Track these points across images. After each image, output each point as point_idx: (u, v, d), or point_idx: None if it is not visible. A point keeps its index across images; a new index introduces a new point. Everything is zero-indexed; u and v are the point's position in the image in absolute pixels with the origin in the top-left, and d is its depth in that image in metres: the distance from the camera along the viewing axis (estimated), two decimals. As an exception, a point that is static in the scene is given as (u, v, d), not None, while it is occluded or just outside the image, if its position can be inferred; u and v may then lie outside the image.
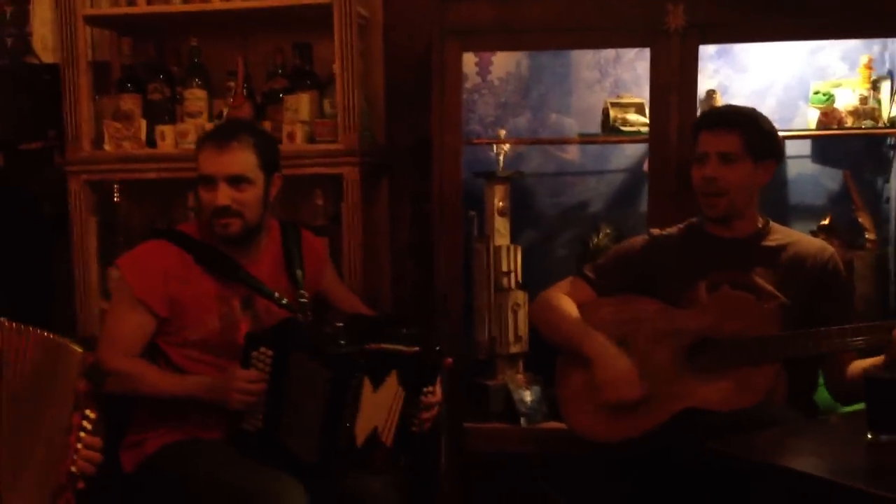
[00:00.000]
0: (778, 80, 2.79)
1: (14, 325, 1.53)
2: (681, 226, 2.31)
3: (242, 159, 2.10)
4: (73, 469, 1.58)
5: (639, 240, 2.33)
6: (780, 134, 2.69)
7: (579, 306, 2.26)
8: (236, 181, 2.09)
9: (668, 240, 2.29)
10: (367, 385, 1.96)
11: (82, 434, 1.60)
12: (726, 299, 2.14)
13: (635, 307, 2.23)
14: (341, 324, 2.05)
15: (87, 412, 1.61)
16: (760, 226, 2.23)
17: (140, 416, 2.14)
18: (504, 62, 2.91)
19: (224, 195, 2.08)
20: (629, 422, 2.12)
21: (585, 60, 2.88)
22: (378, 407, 1.99)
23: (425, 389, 2.03)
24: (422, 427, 2.05)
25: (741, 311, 2.12)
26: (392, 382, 1.99)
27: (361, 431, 1.97)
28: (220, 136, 2.13)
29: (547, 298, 2.31)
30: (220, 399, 2.01)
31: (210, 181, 2.09)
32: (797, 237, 2.26)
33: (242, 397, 1.98)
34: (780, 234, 2.24)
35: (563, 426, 2.51)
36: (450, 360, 2.14)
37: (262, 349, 1.99)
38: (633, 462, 2.17)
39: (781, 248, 2.20)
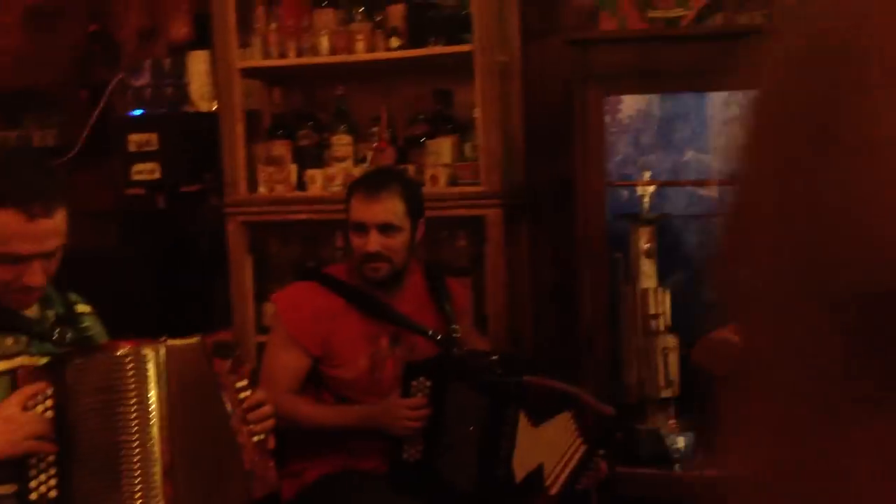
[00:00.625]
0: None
1: (172, 342, 1.64)
2: None
3: (392, 208, 2.18)
4: (255, 439, 1.67)
5: None
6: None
7: None
8: (386, 229, 2.17)
9: None
10: (524, 418, 1.99)
11: (244, 405, 1.68)
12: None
13: None
14: (497, 357, 2.10)
15: (238, 384, 1.69)
16: None
17: (300, 447, 2.23)
18: (634, 101, 2.89)
19: (374, 242, 2.16)
20: None
21: (722, 97, 2.82)
22: (541, 444, 2.02)
23: (600, 451, 2.06)
24: (589, 485, 2.07)
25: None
26: (565, 424, 2.02)
27: (521, 466, 2.01)
28: (372, 186, 2.21)
29: (713, 339, 2.22)
30: (379, 426, 2.09)
31: (362, 228, 2.18)
32: None
33: (408, 423, 2.05)
34: None
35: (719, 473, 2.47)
36: (620, 434, 2.17)
37: (422, 379, 2.07)
38: None
39: None
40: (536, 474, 2.02)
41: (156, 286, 3.07)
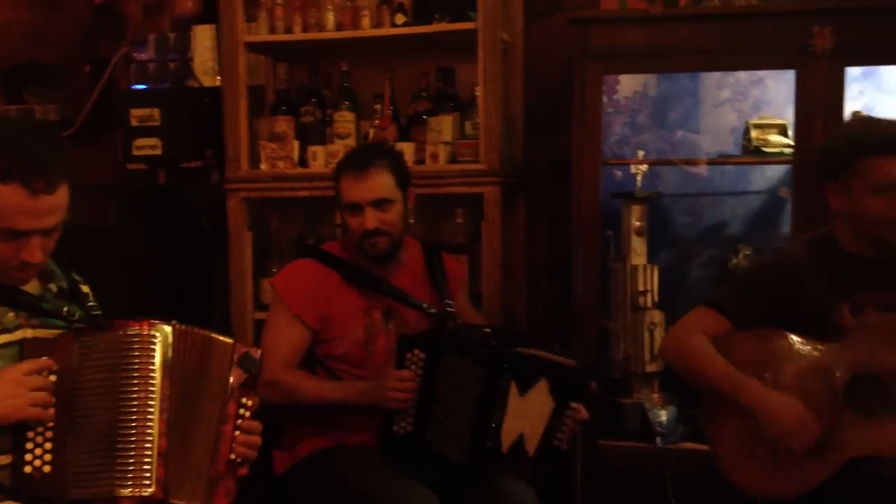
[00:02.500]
0: (925, 102, 2.73)
1: (181, 326, 1.63)
2: (806, 239, 2.13)
3: (382, 183, 2.21)
4: (232, 456, 1.66)
5: (768, 259, 2.19)
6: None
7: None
8: (380, 203, 2.20)
9: (800, 259, 2.09)
10: (514, 389, 2.03)
11: (240, 422, 1.67)
12: (881, 325, 1.95)
13: (772, 344, 2.04)
14: (489, 330, 2.14)
15: (244, 400, 1.68)
16: None
17: (294, 422, 2.27)
18: (631, 82, 2.93)
19: (371, 219, 2.19)
20: (797, 474, 1.98)
21: (714, 79, 2.87)
22: (523, 413, 2.05)
23: (572, 405, 2.09)
24: (564, 442, 2.11)
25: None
26: (541, 391, 2.06)
27: (507, 436, 2.04)
28: (359, 165, 2.23)
29: (680, 340, 2.13)
30: (374, 400, 2.11)
31: (357, 208, 2.21)
32: None
33: (397, 395, 2.07)
34: None
35: (699, 447, 2.52)
36: (594, 384, 2.18)
37: (416, 351, 2.09)
38: None
39: None
40: (519, 442, 2.06)
41: (155, 262, 3.08)
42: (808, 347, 2.01)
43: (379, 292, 2.26)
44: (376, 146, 2.59)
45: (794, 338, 2.03)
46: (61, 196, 1.59)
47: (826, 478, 1.95)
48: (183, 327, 1.63)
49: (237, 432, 1.67)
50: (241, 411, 1.68)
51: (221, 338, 1.70)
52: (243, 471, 1.68)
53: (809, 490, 1.97)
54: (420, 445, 2.08)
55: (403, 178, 2.27)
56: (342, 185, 2.24)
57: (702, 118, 2.91)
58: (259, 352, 1.72)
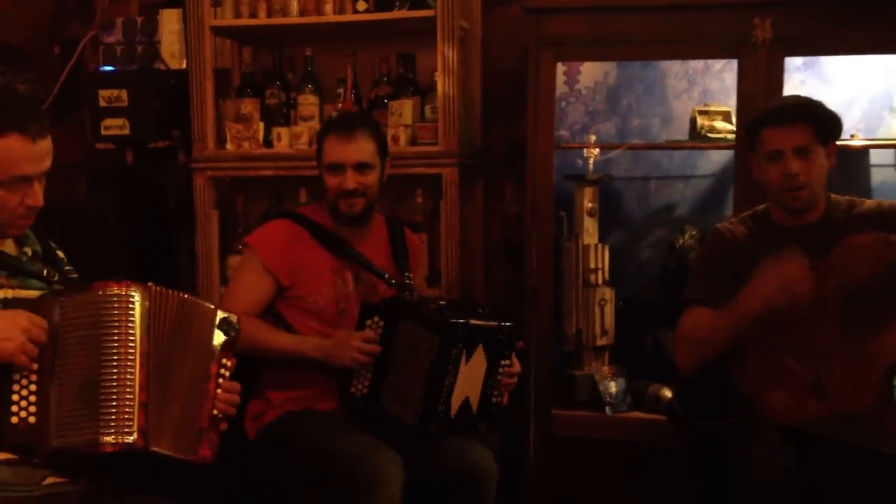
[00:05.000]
0: (863, 91, 2.87)
1: (158, 287, 1.74)
2: (744, 216, 2.31)
3: (366, 148, 2.33)
4: (215, 412, 1.78)
5: (713, 240, 2.32)
6: (865, 143, 2.79)
7: None
8: (362, 167, 2.32)
9: (739, 233, 2.27)
10: (463, 357, 2.15)
11: (221, 381, 1.80)
12: (844, 251, 2.06)
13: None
14: (444, 302, 2.28)
15: (224, 361, 1.81)
16: (826, 206, 2.23)
17: (261, 390, 2.37)
18: (592, 72, 3.05)
19: (352, 180, 2.30)
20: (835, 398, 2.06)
21: (674, 70, 3.01)
22: (469, 378, 2.18)
23: (503, 362, 2.23)
24: (501, 398, 2.25)
25: (865, 250, 2.06)
26: (479, 355, 2.19)
27: (456, 400, 2.17)
28: (346, 128, 2.34)
29: (689, 337, 2.21)
30: (331, 358, 2.21)
31: (339, 168, 2.31)
32: (859, 200, 2.26)
33: (355, 355, 2.18)
34: (846, 204, 2.25)
35: (646, 416, 2.66)
36: (521, 343, 2.30)
37: (376, 318, 2.21)
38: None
39: (859, 214, 2.21)
40: (465, 405, 2.19)
41: (123, 239, 3.15)
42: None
43: (344, 255, 2.36)
44: (362, 113, 2.70)
45: None
46: (50, 139, 1.72)
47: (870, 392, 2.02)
48: (159, 288, 1.74)
49: (219, 391, 1.79)
50: (222, 371, 1.81)
51: (203, 302, 1.83)
52: (224, 426, 1.80)
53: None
54: (375, 407, 2.19)
55: (383, 147, 2.39)
56: (326, 145, 2.34)
57: (659, 107, 3.03)
58: (237, 317, 1.84)
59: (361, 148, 2.32)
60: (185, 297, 1.79)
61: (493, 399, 2.24)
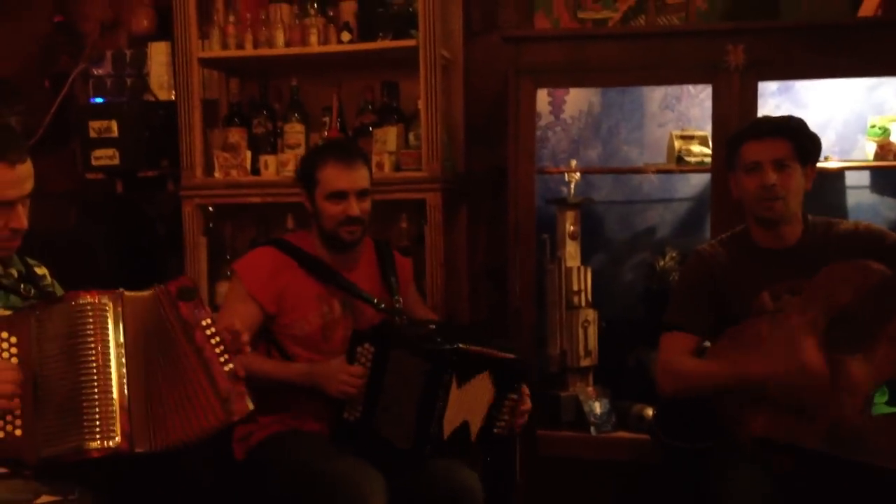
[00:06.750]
0: (837, 114, 2.93)
1: (129, 293, 1.78)
2: (723, 238, 2.34)
3: (365, 174, 2.38)
4: (226, 369, 1.78)
5: (693, 263, 2.35)
6: (840, 165, 2.85)
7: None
8: (363, 194, 2.36)
9: (719, 255, 2.29)
10: (454, 382, 2.17)
11: (213, 340, 1.79)
12: (825, 278, 2.10)
13: (747, 335, 2.16)
14: (434, 326, 2.30)
15: (203, 323, 1.80)
16: (804, 229, 2.26)
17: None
18: (576, 101, 3.12)
19: (355, 207, 2.33)
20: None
21: (655, 97, 3.07)
22: (465, 403, 2.20)
23: (511, 395, 2.25)
24: (506, 430, 2.27)
25: (845, 278, 2.09)
26: (483, 382, 2.21)
27: (449, 424, 2.19)
28: (346, 155, 2.37)
29: (670, 372, 2.23)
30: (319, 384, 2.23)
31: (342, 196, 2.33)
32: (836, 221, 2.29)
33: (343, 387, 2.21)
34: (823, 225, 2.27)
35: (630, 435, 2.68)
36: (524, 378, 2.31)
37: (366, 345, 2.23)
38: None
39: (836, 234, 2.23)
40: (462, 430, 2.21)
41: (113, 267, 3.19)
42: (778, 323, 2.13)
43: (332, 283, 2.38)
44: (351, 143, 2.75)
45: (759, 323, 2.16)
46: (30, 163, 1.78)
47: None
48: (130, 293, 1.79)
49: (218, 349, 1.79)
50: (208, 332, 1.80)
51: (143, 291, 1.83)
52: (242, 373, 1.80)
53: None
54: (368, 431, 2.22)
55: (371, 175, 2.43)
56: (326, 173, 2.34)
57: (643, 134, 3.09)
58: (189, 279, 1.89)
59: (363, 175, 2.37)
60: (149, 294, 1.82)
61: (495, 430, 2.26)
